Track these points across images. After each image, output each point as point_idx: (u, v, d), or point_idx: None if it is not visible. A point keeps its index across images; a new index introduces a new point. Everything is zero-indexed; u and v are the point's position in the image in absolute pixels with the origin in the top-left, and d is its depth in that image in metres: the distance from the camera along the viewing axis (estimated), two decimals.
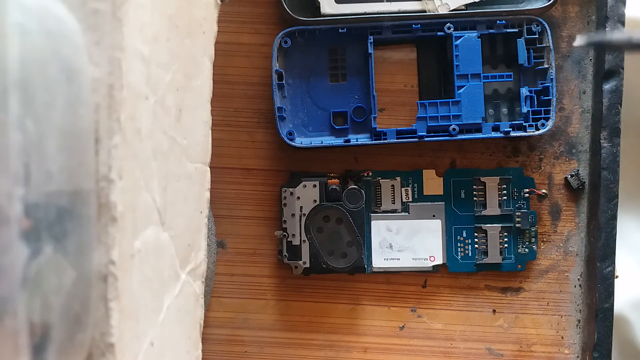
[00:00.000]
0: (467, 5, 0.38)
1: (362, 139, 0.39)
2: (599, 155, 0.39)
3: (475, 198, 0.40)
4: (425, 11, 0.38)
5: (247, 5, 0.40)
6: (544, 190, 0.40)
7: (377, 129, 0.38)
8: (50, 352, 0.21)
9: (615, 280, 0.39)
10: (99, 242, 0.23)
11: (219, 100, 0.39)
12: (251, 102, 0.40)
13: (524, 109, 0.38)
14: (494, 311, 0.40)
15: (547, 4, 0.38)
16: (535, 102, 0.39)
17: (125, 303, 0.23)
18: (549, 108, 0.38)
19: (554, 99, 0.38)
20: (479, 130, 0.38)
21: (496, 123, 0.38)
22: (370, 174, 0.40)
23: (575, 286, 0.40)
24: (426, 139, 0.38)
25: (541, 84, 0.39)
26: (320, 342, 0.40)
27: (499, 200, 0.40)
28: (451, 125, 0.38)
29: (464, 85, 0.38)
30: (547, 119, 0.38)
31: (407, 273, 0.40)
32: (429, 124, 0.38)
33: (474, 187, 0.40)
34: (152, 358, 0.26)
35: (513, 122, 0.38)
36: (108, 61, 0.22)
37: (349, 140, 0.38)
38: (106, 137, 0.22)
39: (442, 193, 0.40)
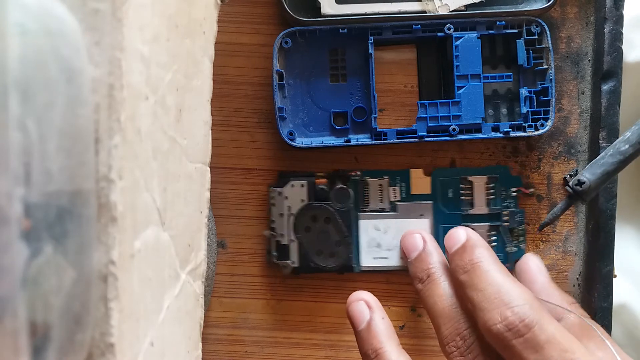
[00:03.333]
0: (467, 6, 0.38)
1: (362, 139, 0.39)
2: (597, 156, 0.39)
3: (462, 197, 0.40)
4: (425, 12, 0.38)
5: (247, 5, 0.40)
6: (531, 189, 0.40)
7: (378, 129, 0.38)
8: (50, 352, 0.21)
9: (614, 279, 0.39)
10: (99, 242, 0.23)
11: (219, 100, 0.39)
12: (251, 102, 0.40)
13: (524, 110, 0.38)
14: None
15: (546, 5, 0.38)
16: (535, 103, 0.39)
17: (125, 303, 0.23)
18: (548, 108, 0.38)
19: (553, 99, 0.38)
20: (479, 131, 0.38)
21: (496, 123, 0.39)
22: (359, 173, 0.40)
23: (574, 285, 0.40)
24: (426, 139, 0.38)
25: (540, 84, 0.39)
26: (320, 341, 0.40)
27: (486, 199, 0.40)
28: (451, 125, 0.38)
29: (464, 86, 0.38)
30: (546, 120, 0.38)
31: (406, 272, 0.40)
32: (429, 124, 0.38)
33: (462, 186, 0.40)
34: (152, 358, 0.26)
35: (512, 123, 0.39)
36: (108, 61, 0.22)
37: (349, 141, 0.38)
38: (106, 137, 0.23)
39: (430, 192, 0.40)
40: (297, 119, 0.39)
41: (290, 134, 0.38)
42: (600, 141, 0.38)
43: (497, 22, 0.38)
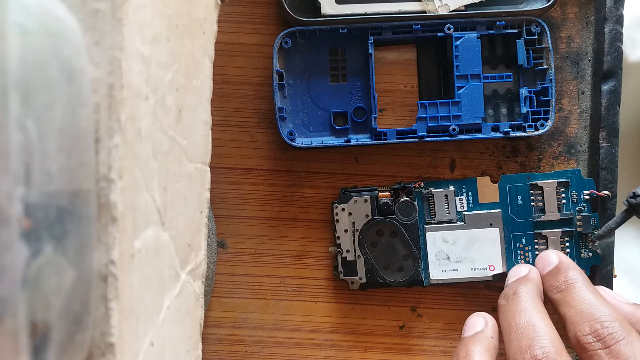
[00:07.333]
0: (467, 6, 0.38)
1: (362, 139, 0.39)
2: (597, 155, 0.39)
3: (532, 203, 0.39)
4: (425, 12, 0.38)
5: (247, 5, 0.40)
6: (605, 192, 0.38)
7: (378, 129, 0.38)
8: (50, 352, 0.21)
9: (614, 279, 0.39)
10: (99, 242, 0.23)
11: (219, 100, 0.39)
12: (251, 102, 0.40)
13: (524, 110, 0.38)
14: (494, 310, 0.40)
15: (546, 5, 0.38)
16: (535, 103, 0.39)
17: (125, 303, 0.23)
18: (548, 108, 0.38)
19: (553, 99, 0.38)
20: (479, 131, 0.38)
21: (496, 123, 0.38)
22: (422, 184, 0.39)
23: None
24: (426, 139, 0.38)
25: (540, 84, 0.39)
26: (320, 341, 0.40)
27: (557, 204, 0.39)
28: (451, 125, 0.38)
29: (464, 86, 0.38)
30: (546, 120, 0.38)
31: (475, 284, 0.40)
32: (429, 124, 0.38)
33: (531, 192, 0.39)
34: (152, 358, 0.26)
35: (512, 123, 0.39)
36: (108, 61, 0.22)
37: (349, 141, 0.38)
38: (106, 137, 0.23)
39: (498, 200, 0.39)
40: (297, 119, 0.39)
41: (290, 134, 0.38)
42: (600, 141, 0.39)
43: (497, 22, 0.38)
